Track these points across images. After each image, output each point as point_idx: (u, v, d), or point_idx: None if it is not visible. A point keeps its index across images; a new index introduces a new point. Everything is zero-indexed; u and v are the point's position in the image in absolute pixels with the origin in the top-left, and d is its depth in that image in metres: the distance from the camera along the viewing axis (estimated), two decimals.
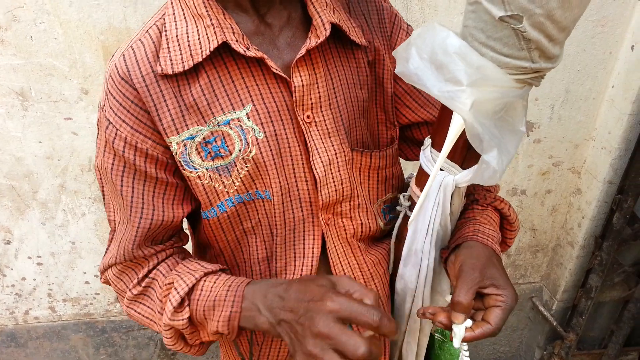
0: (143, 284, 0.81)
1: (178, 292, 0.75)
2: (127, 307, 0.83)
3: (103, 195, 0.84)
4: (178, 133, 0.75)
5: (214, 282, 0.76)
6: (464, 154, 0.74)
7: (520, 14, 0.55)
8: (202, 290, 0.75)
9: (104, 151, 0.77)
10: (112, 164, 0.77)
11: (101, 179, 0.82)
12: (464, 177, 0.74)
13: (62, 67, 1.37)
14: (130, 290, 0.81)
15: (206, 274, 0.78)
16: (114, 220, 0.83)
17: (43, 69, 1.37)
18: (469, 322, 0.74)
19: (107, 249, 0.85)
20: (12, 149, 1.49)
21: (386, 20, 0.87)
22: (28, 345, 1.90)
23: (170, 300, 0.75)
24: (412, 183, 0.83)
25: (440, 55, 0.61)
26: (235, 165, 0.78)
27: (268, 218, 0.83)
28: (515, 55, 0.59)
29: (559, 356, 1.97)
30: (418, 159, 0.84)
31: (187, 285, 0.75)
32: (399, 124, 0.93)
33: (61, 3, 1.28)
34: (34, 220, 1.64)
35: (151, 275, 0.81)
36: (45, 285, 1.78)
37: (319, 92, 0.78)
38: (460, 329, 0.73)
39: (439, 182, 0.76)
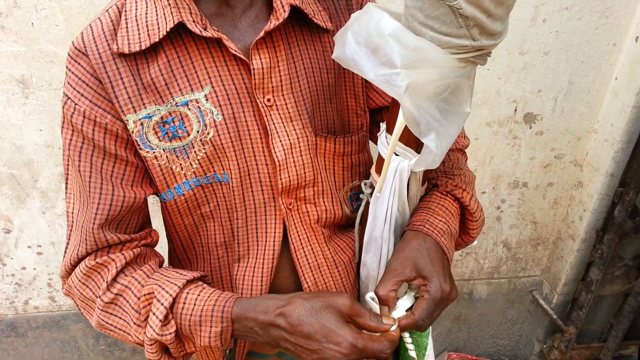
0: (114, 291, 0.76)
1: (162, 304, 0.72)
2: (99, 318, 0.78)
3: (66, 183, 0.81)
4: (135, 111, 0.75)
5: (198, 295, 0.74)
6: (418, 139, 0.73)
7: None
8: (185, 303, 0.73)
9: (63, 128, 0.77)
10: (71, 140, 0.76)
11: (67, 164, 0.79)
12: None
13: (63, 54, 1.36)
14: (100, 297, 0.77)
15: (188, 282, 0.76)
16: (72, 213, 0.81)
17: (44, 56, 1.36)
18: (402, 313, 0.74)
19: (65, 248, 0.81)
20: (12, 137, 1.49)
21: (353, 2, 0.86)
22: (28, 334, 1.90)
23: (154, 314, 0.72)
24: (372, 170, 0.82)
25: (375, 38, 0.61)
26: (193, 147, 0.78)
27: (226, 202, 0.83)
28: (454, 33, 0.59)
29: (558, 349, 1.97)
30: None
31: (171, 295, 0.73)
32: (369, 109, 0.91)
33: None
34: (34, 209, 1.63)
35: (123, 281, 0.77)
36: (45, 275, 1.77)
37: (280, 76, 0.78)
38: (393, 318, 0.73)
39: (394, 167, 0.75)
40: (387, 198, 0.78)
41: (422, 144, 0.73)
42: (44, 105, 1.44)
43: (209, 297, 0.74)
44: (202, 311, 0.72)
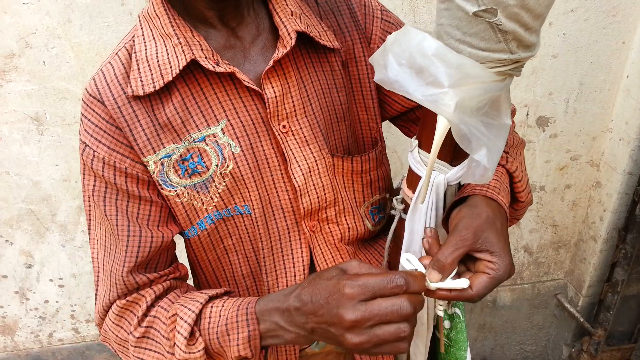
0: (144, 324, 0.75)
1: (185, 321, 0.71)
2: (134, 355, 0.76)
3: (89, 229, 0.80)
4: (154, 152, 0.75)
5: (222, 306, 0.73)
6: (452, 152, 0.72)
7: (494, 7, 0.55)
8: (210, 317, 0.72)
9: (84, 175, 0.77)
10: (94, 186, 0.76)
11: (90, 210, 0.79)
12: (455, 174, 0.73)
13: (75, 90, 1.38)
14: (131, 334, 0.75)
15: (210, 298, 0.75)
16: (97, 259, 0.80)
17: (57, 93, 1.39)
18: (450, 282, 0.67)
19: (95, 295, 0.81)
20: (29, 174, 1.51)
21: (357, 13, 0.85)
22: None
23: (179, 332, 0.71)
24: (404, 185, 0.81)
25: (419, 59, 0.61)
26: (213, 181, 0.78)
27: (249, 233, 0.82)
28: (493, 48, 0.59)
29: (588, 353, 1.94)
30: None
31: (194, 312, 0.71)
32: (389, 116, 0.91)
33: (72, 27, 1.29)
34: (54, 242, 1.64)
35: (152, 313, 0.76)
36: (68, 307, 1.79)
37: (293, 101, 0.78)
38: (436, 286, 0.67)
39: (430, 182, 0.74)
40: (425, 213, 0.77)
41: (455, 157, 0.73)
42: (59, 141, 1.46)
43: (232, 305, 0.72)
44: (228, 319, 0.71)
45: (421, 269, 0.68)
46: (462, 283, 0.66)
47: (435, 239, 0.70)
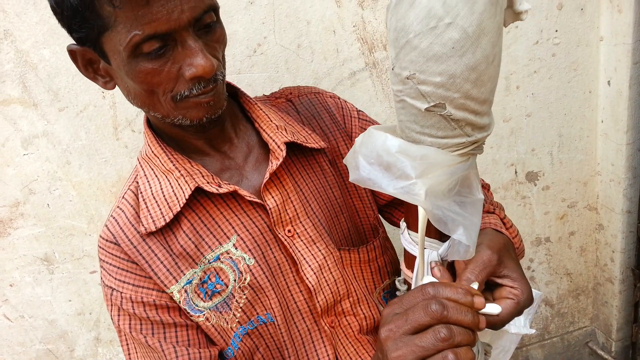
0: None
1: None
2: None
3: (127, 355, 0.81)
4: (177, 281, 0.78)
5: None
6: (438, 229, 0.76)
7: (442, 102, 0.60)
8: None
9: (118, 316, 0.79)
10: (130, 325, 0.78)
11: (129, 353, 0.81)
12: (446, 249, 0.76)
13: (80, 225, 1.43)
14: None
15: None
16: None
17: (63, 231, 1.43)
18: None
19: None
20: (44, 314, 1.52)
21: (336, 115, 0.92)
22: None
23: None
24: (402, 266, 0.84)
25: (385, 157, 0.66)
26: (234, 297, 0.80)
27: (275, 341, 0.83)
28: (450, 135, 0.64)
29: None
30: None
31: None
32: (385, 201, 0.94)
33: (71, 168, 1.36)
34: None
35: None
36: None
37: (294, 206, 0.82)
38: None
39: (425, 260, 0.77)
40: None
41: (443, 233, 0.76)
42: (70, 277, 1.49)
43: None
44: None
45: None
46: (494, 309, 0.65)
47: (444, 266, 0.71)
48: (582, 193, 1.75)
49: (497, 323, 0.66)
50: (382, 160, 0.66)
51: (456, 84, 0.59)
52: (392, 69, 0.63)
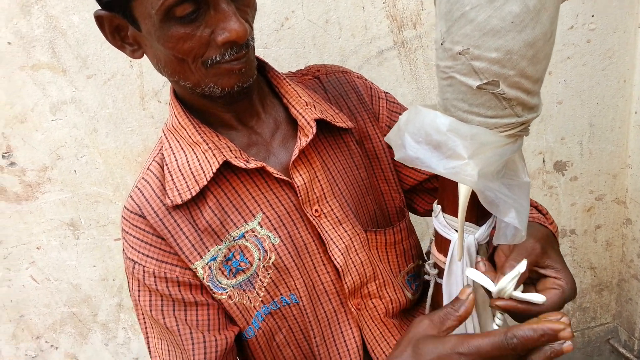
0: None
1: None
2: None
3: (148, 347, 0.81)
4: (201, 257, 0.76)
5: None
6: (477, 212, 0.74)
7: (496, 79, 0.58)
8: None
9: (138, 291, 0.78)
10: (150, 301, 0.77)
11: (146, 327, 0.81)
12: (483, 233, 0.75)
13: (106, 193, 1.46)
14: None
15: None
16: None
17: (89, 198, 1.47)
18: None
19: None
20: (69, 278, 1.57)
21: (364, 95, 0.90)
22: None
23: None
24: (433, 249, 0.82)
25: (435, 135, 0.64)
26: (257, 276, 0.78)
27: (299, 323, 0.82)
28: (500, 114, 0.61)
29: None
30: (429, 214, 0.83)
31: None
32: (409, 185, 0.93)
33: (98, 136, 1.39)
34: (97, 342, 1.68)
35: None
36: None
37: (321, 185, 0.80)
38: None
39: (464, 245, 0.76)
40: (461, 276, 0.77)
41: (480, 216, 0.74)
42: (95, 243, 1.53)
43: None
44: None
45: (488, 283, 0.67)
46: (538, 298, 0.64)
47: (489, 262, 0.70)
48: (611, 186, 1.70)
49: (541, 309, 0.65)
50: (431, 139, 0.64)
51: (512, 60, 0.56)
52: (442, 44, 0.60)
